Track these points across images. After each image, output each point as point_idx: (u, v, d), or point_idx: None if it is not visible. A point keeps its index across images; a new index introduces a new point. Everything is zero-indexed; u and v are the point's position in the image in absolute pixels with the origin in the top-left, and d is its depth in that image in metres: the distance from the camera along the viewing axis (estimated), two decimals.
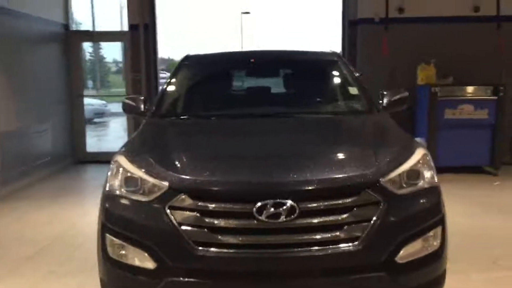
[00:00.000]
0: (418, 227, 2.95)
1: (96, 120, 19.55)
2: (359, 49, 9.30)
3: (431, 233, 3.01)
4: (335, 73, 4.83)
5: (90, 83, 23.05)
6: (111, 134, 17.60)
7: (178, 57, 4.52)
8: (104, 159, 9.24)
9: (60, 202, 7.01)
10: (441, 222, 3.09)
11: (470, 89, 8.34)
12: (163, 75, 13.40)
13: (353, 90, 4.52)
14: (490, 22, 8.85)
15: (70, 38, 9.89)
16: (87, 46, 16.36)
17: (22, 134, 8.06)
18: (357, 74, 4.71)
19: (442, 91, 8.26)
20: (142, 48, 9.53)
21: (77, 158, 10.05)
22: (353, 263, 2.82)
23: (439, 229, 3.06)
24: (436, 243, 3.04)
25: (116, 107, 18.84)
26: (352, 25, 9.39)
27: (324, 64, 4.92)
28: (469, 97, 8.28)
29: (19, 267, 4.63)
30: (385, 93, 4.39)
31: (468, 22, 8.92)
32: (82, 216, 6.20)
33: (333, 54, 4.95)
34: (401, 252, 2.87)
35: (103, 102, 20.68)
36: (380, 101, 4.34)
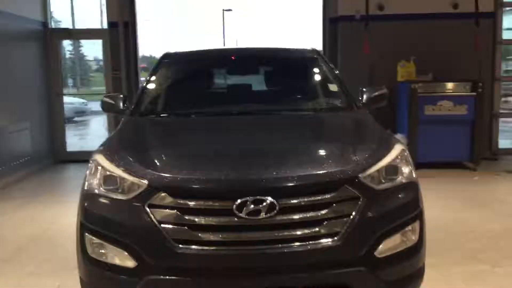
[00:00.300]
0: (396, 222, 2.97)
1: (76, 119, 19.42)
2: (340, 46, 9.35)
3: (409, 228, 3.03)
4: (315, 70, 4.84)
5: (70, 81, 22.85)
6: (91, 133, 17.48)
7: (159, 54, 4.50)
8: (84, 158, 9.11)
9: (39, 202, 6.94)
10: (419, 216, 3.11)
11: (449, 85, 8.43)
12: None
13: (333, 87, 4.53)
14: (469, 18, 8.94)
15: (49, 36, 9.80)
16: (67, 44, 16.21)
17: (0, 134, 7.95)
18: (336, 71, 4.72)
19: (422, 88, 8.34)
20: (122, 46, 9.47)
21: (57, 157, 9.96)
22: (333, 258, 2.83)
23: (417, 224, 3.08)
24: (414, 238, 3.06)
25: (97, 105, 18.72)
26: (332, 22, 9.44)
27: (304, 61, 4.92)
28: (449, 93, 8.37)
29: None
30: (364, 89, 4.42)
31: (447, 19, 9.02)
32: (62, 216, 6.15)
33: (313, 51, 4.96)
34: (380, 246, 2.89)
35: (84, 100, 20.56)
36: (360, 98, 4.36)
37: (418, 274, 3.15)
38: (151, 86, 4.59)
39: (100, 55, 10.74)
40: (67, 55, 20.81)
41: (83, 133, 17.17)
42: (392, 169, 3.11)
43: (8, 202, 6.96)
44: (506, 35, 9.55)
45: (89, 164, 3.26)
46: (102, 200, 3.05)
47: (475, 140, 8.41)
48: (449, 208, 6.21)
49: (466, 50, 8.84)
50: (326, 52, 9.45)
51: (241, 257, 2.82)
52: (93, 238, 3.00)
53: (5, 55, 8.25)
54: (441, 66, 8.69)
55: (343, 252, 2.83)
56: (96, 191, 3.09)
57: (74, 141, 13.30)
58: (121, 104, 4.39)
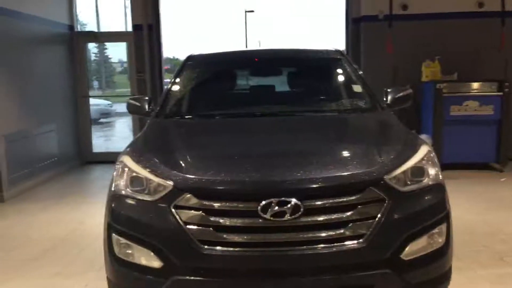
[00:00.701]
0: (423, 224, 2.95)
1: (102, 120, 19.63)
2: (363, 46, 9.30)
3: (436, 230, 3.01)
4: (339, 71, 4.82)
5: (95, 83, 23.12)
6: (117, 134, 17.66)
7: (183, 56, 4.54)
8: (110, 159, 9.27)
9: (66, 203, 7.04)
10: (446, 219, 3.08)
11: (475, 85, 8.32)
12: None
13: (357, 88, 4.51)
14: (495, 17, 8.82)
15: (75, 39, 9.94)
16: (92, 47, 16.40)
17: (27, 136, 8.10)
18: (360, 72, 4.70)
19: (447, 88, 8.25)
20: (146, 48, 9.56)
21: (84, 158, 10.10)
22: (358, 260, 2.82)
23: (444, 226, 3.05)
24: (441, 240, 3.03)
25: (122, 107, 18.91)
26: (355, 22, 9.39)
27: (328, 62, 4.91)
28: (474, 93, 8.26)
29: (25, 269, 4.65)
30: (389, 90, 4.39)
31: (472, 18, 8.90)
32: (88, 217, 6.23)
33: (337, 52, 4.94)
34: (407, 249, 2.88)
35: (109, 102, 20.76)
36: (384, 99, 4.34)
37: (445, 276, 3.12)
38: (176, 88, 4.63)
39: (124, 58, 10.85)
40: (92, 58, 21.01)
41: (108, 135, 17.35)
42: (418, 171, 3.08)
43: (35, 203, 7.07)
44: None
45: (116, 166, 3.30)
46: (129, 201, 3.09)
47: (502, 140, 8.29)
48: (475, 209, 6.13)
49: (491, 49, 8.73)
50: (349, 52, 9.41)
51: (266, 259, 2.83)
52: (120, 238, 3.04)
53: (33, 58, 8.39)
54: (467, 66, 8.59)
55: (369, 254, 2.82)
56: (123, 192, 3.13)
57: (99, 142, 13.46)
58: (146, 106, 4.43)
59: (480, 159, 8.40)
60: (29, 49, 8.31)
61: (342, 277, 2.82)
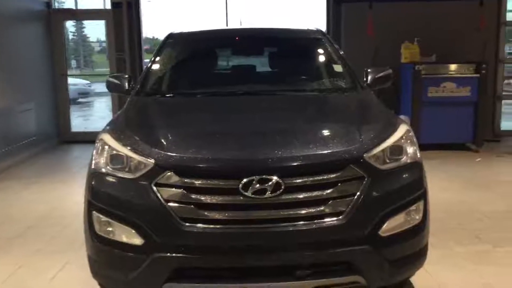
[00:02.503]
0: (400, 202, 3.00)
1: (80, 100, 19.41)
2: (344, 27, 9.32)
3: (413, 207, 3.06)
4: (320, 50, 4.83)
5: (73, 62, 22.81)
6: (95, 114, 17.51)
7: (162, 36, 4.48)
8: (89, 139, 9.23)
9: (45, 181, 7.00)
10: (423, 196, 3.14)
11: (453, 66, 8.43)
12: None
13: (338, 68, 4.53)
14: None
15: (53, 17, 9.78)
16: (70, 25, 16.14)
17: (5, 114, 8.00)
18: (341, 52, 4.72)
19: (425, 69, 8.34)
20: (125, 26, 9.45)
21: (62, 138, 10.02)
22: (338, 237, 2.87)
23: (421, 204, 3.11)
24: (418, 217, 3.09)
25: (100, 87, 18.72)
26: (336, 2, 9.39)
27: (309, 42, 4.91)
28: (452, 75, 8.37)
29: (5, 246, 4.64)
30: (369, 70, 4.41)
31: (451, 0, 8.96)
32: (68, 195, 6.22)
33: (318, 31, 4.95)
34: (384, 225, 2.92)
35: (87, 82, 20.51)
36: (364, 79, 4.37)
37: (421, 253, 3.19)
38: (156, 66, 4.60)
39: (102, 37, 10.70)
40: (70, 37, 20.71)
41: (87, 114, 17.20)
42: (397, 149, 3.13)
43: (15, 181, 7.02)
44: (510, 17, 9.50)
45: (96, 144, 3.28)
46: (109, 178, 3.08)
47: (478, 122, 8.42)
48: (451, 189, 6.25)
49: (470, 31, 8.82)
50: (330, 33, 9.41)
51: (247, 236, 2.85)
52: (101, 216, 3.04)
53: (9, 35, 8.25)
54: (445, 48, 8.67)
55: (348, 231, 2.86)
56: (103, 170, 3.12)
57: (78, 122, 13.33)
58: (126, 85, 4.39)
59: (456, 139, 8.54)
60: (5, 26, 8.17)
61: (321, 253, 2.87)
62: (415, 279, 3.56)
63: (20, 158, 8.23)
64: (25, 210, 5.69)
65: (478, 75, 8.27)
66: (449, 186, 6.35)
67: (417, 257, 3.17)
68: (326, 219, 2.85)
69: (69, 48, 11.92)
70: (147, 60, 7.90)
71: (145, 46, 11.22)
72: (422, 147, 3.30)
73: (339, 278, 2.93)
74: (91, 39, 28.08)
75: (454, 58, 8.58)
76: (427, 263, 3.29)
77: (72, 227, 5.00)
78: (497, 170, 7.50)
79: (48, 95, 9.69)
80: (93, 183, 3.14)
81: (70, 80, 11.03)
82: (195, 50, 4.97)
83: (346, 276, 2.92)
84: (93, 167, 3.19)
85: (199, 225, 2.84)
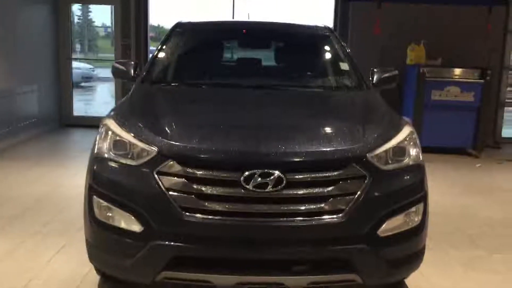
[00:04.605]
0: (401, 203, 3.02)
1: (83, 84, 19.38)
2: (351, 25, 9.30)
3: (413, 209, 3.07)
4: (327, 47, 4.83)
5: (78, 47, 22.74)
6: (97, 99, 17.50)
7: (168, 25, 4.46)
8: (90, 123, 9.27)
9: (45, 164, 7.01)
10: (423, 199, 3.15)
11: (457, 71, 8.41)
12: None
13: (344, 66, 4.53)
14: (482, 5, 8.88)
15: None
16: (76, 9, 16.09)
17: (8, 95, 7.99)
18: (348, 50, 4.72)
19: (430, 72, 8.33)
20: (132, 12, 9.42)
21: (63, 121, 10.00)
22: (336, 235, 2.88)
23: (421, 206, 3.12)
24: (417, 219, 3.10)
25: (104, 72, 18.70)
26: (344, 1, 9.37)
27: (317, 38, 4.91)
28: (457, 79, 8.36)
29: (3, 227, 4.65)
30: (375, 70, 4.42)
31: (460, 4, 8.95)
32: (67, 178, 6.22)
33: (326, 28, 4.94)
34: (383, 226, 2.94)
35: (91, 66, 20.46)
36: (370, 78, 4.37)
37: (418, 255, 3.21)
38: (163, 54, 4.59)
39: (108, 22, 10.66)
40: (76, 20, 20.64)
41: (89, 99, 17.17)
42: (400, 151, 3.14)
43: (15, 162, 7.02)
44: None
45: (100, 129, 3.28)
46: (111, 164, 3.09)
47: (480, 127, 8.42)
48: (449, 193, 6.26)
49: (477, 37, 8.81)
50: (337, 31, 9.40)
51: (245, 228, 2.86)
52: (101, 201, 3.05)
53: (16, 16, 8.23)
54: (451, 52, 8.66)
55: (346, 229, 2.88)
56: (106, 155, 3.12)
57: (80, 106, 13.32)
58: (132, 71, 4.37)
59: (457, 144, 8.54)
60: (12, 7, 8.14)
61: (319, 250, 2.88)
62: (409, 280, 3.58)
63: (21, 139, 8.23)
64: (24, 192, 5.70)
65: (482, 81, 8.27)
66: (448, 190, 6.35)
67: (414, 258, 3.18)
68: (325, 216, 2.86)
69: (74, 32, 11.85)
70: (153, 48, 7.88)
71: (150, 34, 11.20)
72: (422, 149, 3.30)
73: (335, 275, 2.95)
74: (96, 24, 27.96)
75: (460, 62, 8.57)
76: (421, 265, 3.30)
77: (70, 210, 5.01)
78: (496, 177, 7.50)
79: (52, 78, 9.67)
80: (95, 167, 3.14)
81: (74, 64, 11.00)
82: (202, 40, 4.96)
83: (343, 273, 2.95)
84: (95, 151, 3.19)
85: (199, 215, 2.84)
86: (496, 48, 8.97)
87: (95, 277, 3.62)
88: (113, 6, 9.97)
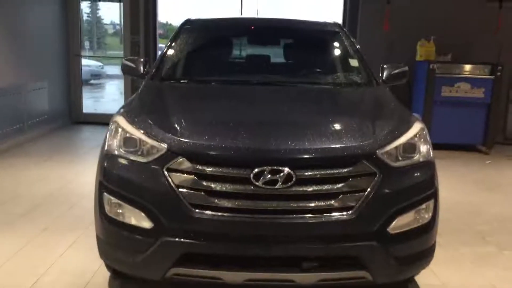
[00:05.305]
0: (411, 200, 3.00)
1: (92, 81, 19.44)
2: (360, 21, 9.26)
3: (423, 206, 3.06)
4: (336, 44, 4.81)
5: (87, 44, 22.81)
6: (106, 96, 17.56)
7: (176, 22, 4.46)
8: (99, 120, 9.30)
9: (55, 160, 7.04)
10: (434, 196, 3.13)
11: (467, 67, 8.37)
12: None
13: (353, 62, 4.51)
14: (493, 1, 8.81)
15: None
16: (84, 6, 16.12)
17: (19, 92, 8.04)
18: (357, 46, 4.70)
19: (440, 68, 8.29)
20: (142, 9, 9.43)
21: (73, 118, 10.05)
22: (346, 232, 2.87)
23: (431, 203, 3.11)
24: (427, 216, 3.09)
25: (113, 69, 18.76)
26: None
27: (326, 34, 4.90)
28: (467, 75, 8.32)
29: (13, 224, 4.67)
30: (385, 66, 4.40)
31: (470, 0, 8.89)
32: (76, 175, 6.25)
33: (335, 24, 4.93)
34: (393, 223, 2.92)
35: (100, 63, 20.52)
36: (380, 74, 4.35)
37: (429, 252, 3.19)
38: (172, 51, 4.59)
39: (116, 19, 10.67)
40: (85, 18, 20.70)
41: (98, 96, 17.24)
42: (410, 147, 3.12)
43: (25, 159, 7.05)
44: None
45: (110, 126, 3.29)
46: (122, 161, 3.10)
47: (490, 124, 8.38)
48: (459, 190, 6.23)
49: (487, 32, 8.74)
50: (346, 27, 9.37)
51: (255, 225, 2.86)
52: (111, 197, 3.06)
53: (26, 13, 8.26)
54: (461, 48, 8.61)
55: (356, 226, 2.87)
56: (116, 152, 3.13)
57: (89, 103, 13.37)
58: (141, 68, 4.38)
59: (467, 140, 8.51)
60: (22, 4, 8.17)
61: (329, 247, 2.87)
62: (419, 277, 3.59)
63: (31, 136, 8.27)
64: (34, 188, 5.73)
65: (493, 77, 8.21)
66: (458, 187, 6.33)
67: (424, 256, 3.17)
68: (335, 213, 2.86)
69: (83, 29, 11.86)
70: (162, 45, 7.87)
71: (159, 31, 11.21)
72: (432, 146, 3.29)
73: (345, 272, 2.94)
74: (105, 21, 28.03)
75: (470, 58, 8.52)
76: (432, 262, 3.29)
77: (80, 207, 5.04)
78: (507, 173, 7.45)
79: (62, 75, 9.72)
80: (105, 164, 3.15)
81: (83, 61, 11.03)
82: (212, 37, 4.96)
83: (353, 270, 2.94)
84: (106, 148, 3.20)
85: (208, 212, 2.85)
86: (506, 43, 8.89)
87: (105, 273, 3.64)
88: (121, 3, 9.99)
